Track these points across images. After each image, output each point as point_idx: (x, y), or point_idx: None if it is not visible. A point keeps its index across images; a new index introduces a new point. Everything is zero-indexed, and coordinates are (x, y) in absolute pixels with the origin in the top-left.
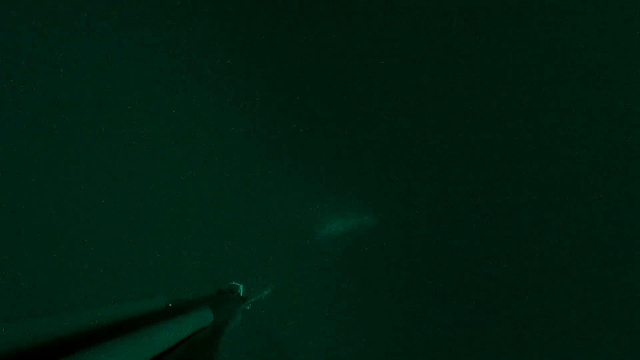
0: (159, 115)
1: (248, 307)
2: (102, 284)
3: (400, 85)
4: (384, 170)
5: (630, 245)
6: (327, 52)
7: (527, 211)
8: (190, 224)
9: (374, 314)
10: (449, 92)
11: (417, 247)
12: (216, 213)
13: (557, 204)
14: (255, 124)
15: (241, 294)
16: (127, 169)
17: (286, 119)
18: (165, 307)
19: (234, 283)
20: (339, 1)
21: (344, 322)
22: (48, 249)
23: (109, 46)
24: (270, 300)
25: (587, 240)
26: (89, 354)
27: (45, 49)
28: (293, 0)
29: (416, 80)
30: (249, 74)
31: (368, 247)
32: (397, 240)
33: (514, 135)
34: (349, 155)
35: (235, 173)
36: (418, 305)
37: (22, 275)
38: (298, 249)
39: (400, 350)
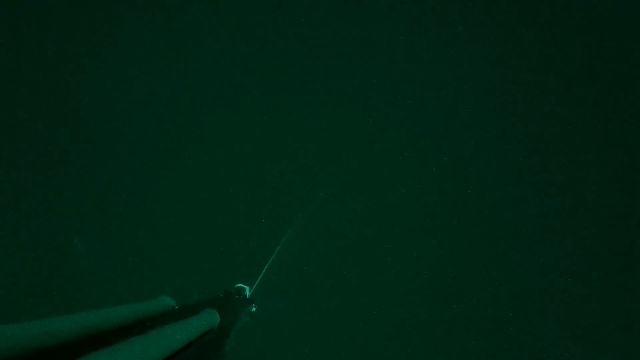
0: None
1: (254, 309)
2: (109, 286)
3: None
4: None
5: None
6: None
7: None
8: (197, 226)
9: None
10: None
11: None
12: (222, 214)
13: None
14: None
15: (248, 295)
16: (133, 170)
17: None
18: (173, 309)
19: (240, 285)
20: None
21: None
22: (55, 250)
23: None
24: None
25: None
26: (100, 356)
27: None
28: None
29: None
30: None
31: None
32: None
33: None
34: None
35: (244, 174)
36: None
37: (27, 276)
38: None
39: None
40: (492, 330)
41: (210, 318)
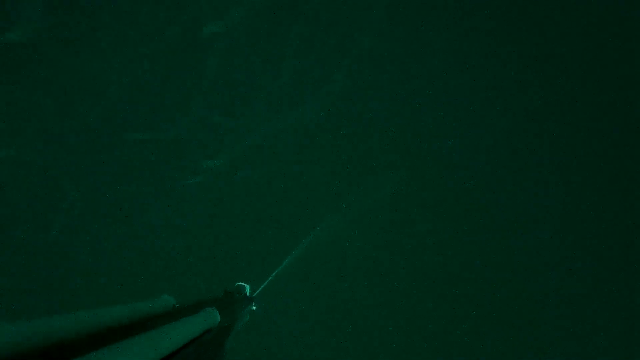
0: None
1: (254, 308)
2: (109, 284)
3: None
4: None
5: None
6: None
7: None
8: (197, 226)
9: None
10: None
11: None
12: (222, 214)
13: None
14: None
15: (248, 294)
16: (135, 175)
17: None
18: (173, 308)
19: (240, 284)
20: None
21: None
22: (55, 249)
23: None
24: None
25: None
26: (100, 356)
27: None
28: None
29: None
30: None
31: None
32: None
33: None
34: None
35: (242, 174)
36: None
37: (28, 276)
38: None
39: None
40: (492, 330)
41: (210, 317)
